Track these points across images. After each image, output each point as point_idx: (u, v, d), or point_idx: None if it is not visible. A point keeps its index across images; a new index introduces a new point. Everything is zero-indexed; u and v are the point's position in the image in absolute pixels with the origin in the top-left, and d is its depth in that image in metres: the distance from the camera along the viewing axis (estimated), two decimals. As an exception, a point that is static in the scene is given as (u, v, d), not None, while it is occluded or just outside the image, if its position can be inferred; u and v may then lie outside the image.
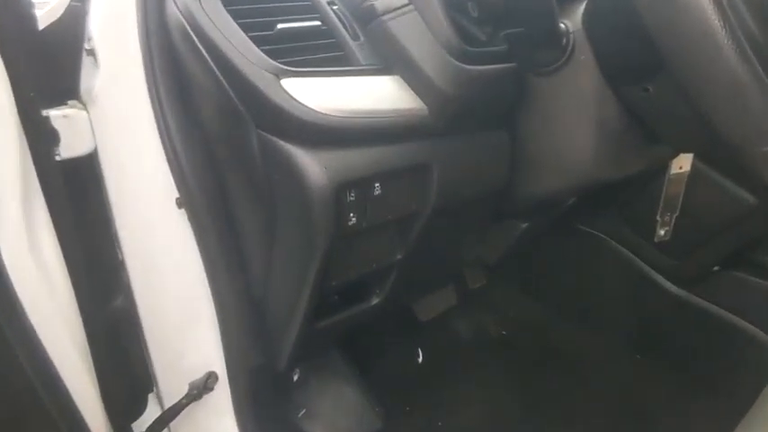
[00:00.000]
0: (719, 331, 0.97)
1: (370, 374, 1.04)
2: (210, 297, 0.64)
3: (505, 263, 1.13)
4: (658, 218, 0.88)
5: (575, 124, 0.66)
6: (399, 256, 0.67)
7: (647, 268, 1.05)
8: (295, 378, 0.88)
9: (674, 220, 0.88)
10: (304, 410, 0.89)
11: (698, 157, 0.84)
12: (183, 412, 0.66)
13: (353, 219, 0.56)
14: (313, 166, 0.53)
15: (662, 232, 0.90)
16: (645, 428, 0.93)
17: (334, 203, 0.54)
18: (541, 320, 1.23)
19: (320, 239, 0.56)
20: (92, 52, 0.55)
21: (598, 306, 1.16)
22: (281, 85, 0.54)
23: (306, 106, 0.53)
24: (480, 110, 0.64)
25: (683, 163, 0.84)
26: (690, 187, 0.86)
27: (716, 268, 1.01)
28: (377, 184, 0.57)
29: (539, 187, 0.72)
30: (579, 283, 1.18)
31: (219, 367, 0.68)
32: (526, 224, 0.90)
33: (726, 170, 0.93)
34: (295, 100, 0.53)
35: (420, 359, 1.15)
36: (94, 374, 0.57)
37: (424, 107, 0.59)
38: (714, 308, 0.99)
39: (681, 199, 0.86)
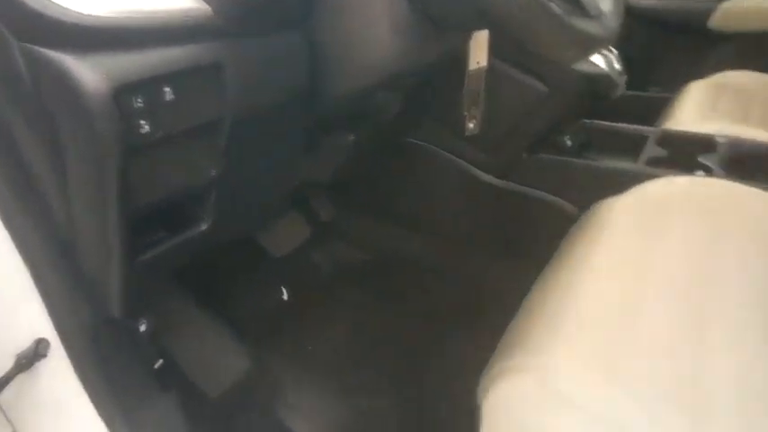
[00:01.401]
0: (537, 210, 1.10)
1: (231, 316, 1.04)
2: (18, 254, 0.59)
3: (351, 190, 1.18)
4: (465, 112, 0.95)
5: (367, 18, 0.68)
6: (213, 173, 0.65)
7: (469, 167, 1.15)
8: (142, 329, 0.85)
9: (480, 114, 0.96)
10: (161, 361, 0.85)
11: (493, 52, 0.92)
12: (23, 385, 0.63)
13: (146, 127, 0.54)
14: (87, 71, 0.49)
15: (471, 125, 0.98)
16: (493, 301, 0.96)
17: (117, 110, 0.51)
18: (393, 238, 1.30)
19: (110, 153, 0.52)
20: None
21: (436, 211, 1.24)
22: (33, -13, 0.49)
23: (68, 8, 0.49)
24: (271, 10, 0.64)
25: (479, 58, 0.91)
26: (489, 81, 0.93)
27: (524, 155, 1.14)
28: (167, 89, 0.54)
29: (342, 85, 0.73)
30: (417, 194, 1.26)
31: (49, 332, 0.63)
32: (352, 137, 0.93)
33: (518, 64, 1.05)
34: (54, 2, 0.49)
35: (285, 296, 1.17)
36: None
37: (207, 7, 0.58)
38: (530, 190, 1.11)
39: (482, 93, 0.94)
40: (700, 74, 1.61)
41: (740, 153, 1.09)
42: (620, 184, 0.90)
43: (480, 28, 0.84)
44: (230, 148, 0.65)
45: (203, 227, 0.70)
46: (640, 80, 1.69)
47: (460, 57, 0.90)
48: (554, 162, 1.13)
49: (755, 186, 0.85)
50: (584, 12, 0.70)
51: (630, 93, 1.51)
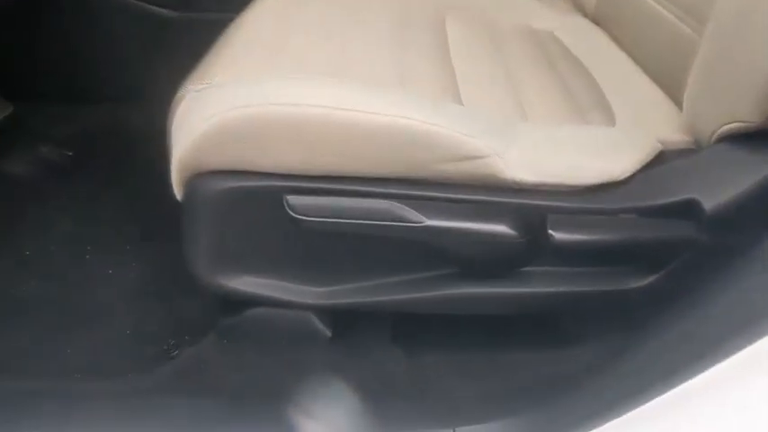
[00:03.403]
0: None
1: None
2: None
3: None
4: None
5: None
6: None
7: (142, 5, 1.12)
8: None
9: None
10: None
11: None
12: None
13: None
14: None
15: None
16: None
17: None
18: (92, 116, 1.18)
19: None
20: None
21: (130, 67, 1.18)
22: None
23: None
24: None
25: None
26: None
27: None
28: None
29: None
30: (99, 55, 1.17)
31: None
32: None
33: None
34: None
35: None
36: None
37: None
38: (214, 14, 1.08)
39: None
40: None
41: None
42: None
43: None
44: None
45: None
46: None
47: None
48: None
49: None
50: None
51: None
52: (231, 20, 1.00)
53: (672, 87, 0.68)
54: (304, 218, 0.50)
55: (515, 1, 0.99)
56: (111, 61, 1.17)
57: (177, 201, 0.61)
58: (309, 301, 0.56)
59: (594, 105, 0.68)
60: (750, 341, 0.37)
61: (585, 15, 0.94)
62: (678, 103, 0.64)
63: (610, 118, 0.64)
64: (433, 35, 0.80)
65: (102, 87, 1.18)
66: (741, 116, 0.49)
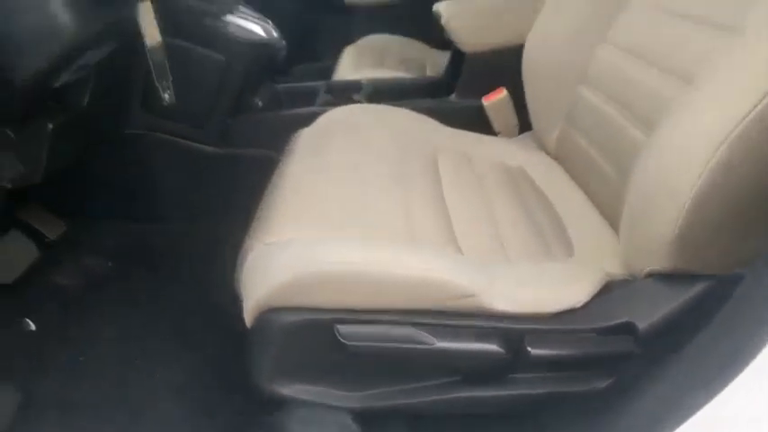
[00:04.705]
0: (252, 162, 1.32)
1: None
2: None
3: (79, 197, 1.21)
4: (157, 84, 1.09)
5: (29, 6, 0.74)
6: None
7: (188, 143, 1.34)
8: None
9: (171, 85, 1.11)
10: None
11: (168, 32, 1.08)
12: None
13: None
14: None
15: (166, 96, 1.10)
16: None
17: None
18: (136, 235, 1.35)
19: None
20: None
21: (168, 195, 1.37)
22: None
23: None
24: None
25: (153, 35, 1.04)
26: (176, 58, 1.12)
27: (228, 120, 1.36)
28: None
29: (25, 69, 0.78)
30: (149, 182, 1.36)
31: None
32: (50, 125, 0.95)
33: (193, 40, 1.23)
34: None
35: (32, 327, 1.07)
36: None
37: None
38: (239, 150, 1.37)
39: (166, 64, 1.09)
40: (352, 39, 2.10)
41: (377, 87, 1.54)
42: (303, 124, 1.19)
43: None
44: None
45: None
46: (312, 51, 2.26)
47: (138, 38, 1.05)
48: (252, 120, 1.42)
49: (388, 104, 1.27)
50: None
51: (306, 64, 2.13)
52: (262, 155, 1.24)
53: (613, 218, 0.88)
54: (350, 343, 0.67)
55: (492, 141, 1.23)
56: (157, 187, 1.36)
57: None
58: (347, 404, 0.72)
59: (558, 239, 0.88)
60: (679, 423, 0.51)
61: (548, 153, 1.17)
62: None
63: (569, 250, 0.85)
64: (429, 175, 1.01)
65: (149, 208, 1.37)
66: (658, 263, 0.69)
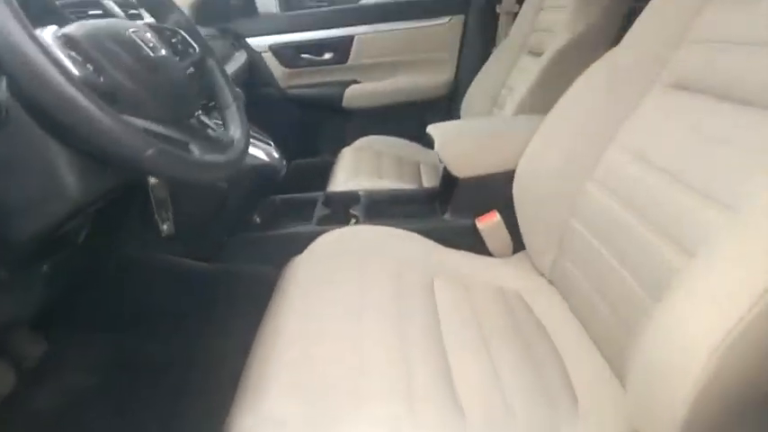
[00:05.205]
0: (246, 281, 1.33)
1: None
2: None
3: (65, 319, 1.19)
4: (157, 217, 1.11)
5: (34, 169, 0.75)
6: None
7: (179, 260, 1.35)
8: None
9: (171, 217, 1.12)
10: None
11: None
12: None
13: None
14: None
15: (165, 227, 1.12)
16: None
17: None
18: (120, 352, 1.30)
19: None
20: None
21: (166, 314, 1.36)
22: None
23: None
24: None
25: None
26: (178, 188, 1.14)
27: (225, 238, 1.38)
28: None
29: (28, 229, 0.78)
30: (146, 302, 1.37)
31: None
32: (45, 267, 0.93)
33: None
34: None
35: None
36: None
37: None
38: (234, 266, 1.40)
39: (168, 199, 1.11)
40: (349, 140, 2.21)
41: (375, 201, 1.55)
42: (301, 244, 1.20)
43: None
44: None
45: None
46: (311, 148, 2.47)
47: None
48: (250, 238, 1.45)
49: (387, 225, 1.28)
50: (217, 146, 0.92)
51: (305, 160, 2.29)
52: (259, 272, 1.27)
53: (610, 358, 0.88)
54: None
55: (488, 264, 1.24)
56: (150, 303, 1.37)
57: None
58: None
59: (560, 384, 0.86)
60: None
61: (543, 275, 1.17)
62: (615, 371, 0.85)
63: (572, 398, 0.84)
64: (428, 314, 1.00)
65: (139, 323, 1.36)
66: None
